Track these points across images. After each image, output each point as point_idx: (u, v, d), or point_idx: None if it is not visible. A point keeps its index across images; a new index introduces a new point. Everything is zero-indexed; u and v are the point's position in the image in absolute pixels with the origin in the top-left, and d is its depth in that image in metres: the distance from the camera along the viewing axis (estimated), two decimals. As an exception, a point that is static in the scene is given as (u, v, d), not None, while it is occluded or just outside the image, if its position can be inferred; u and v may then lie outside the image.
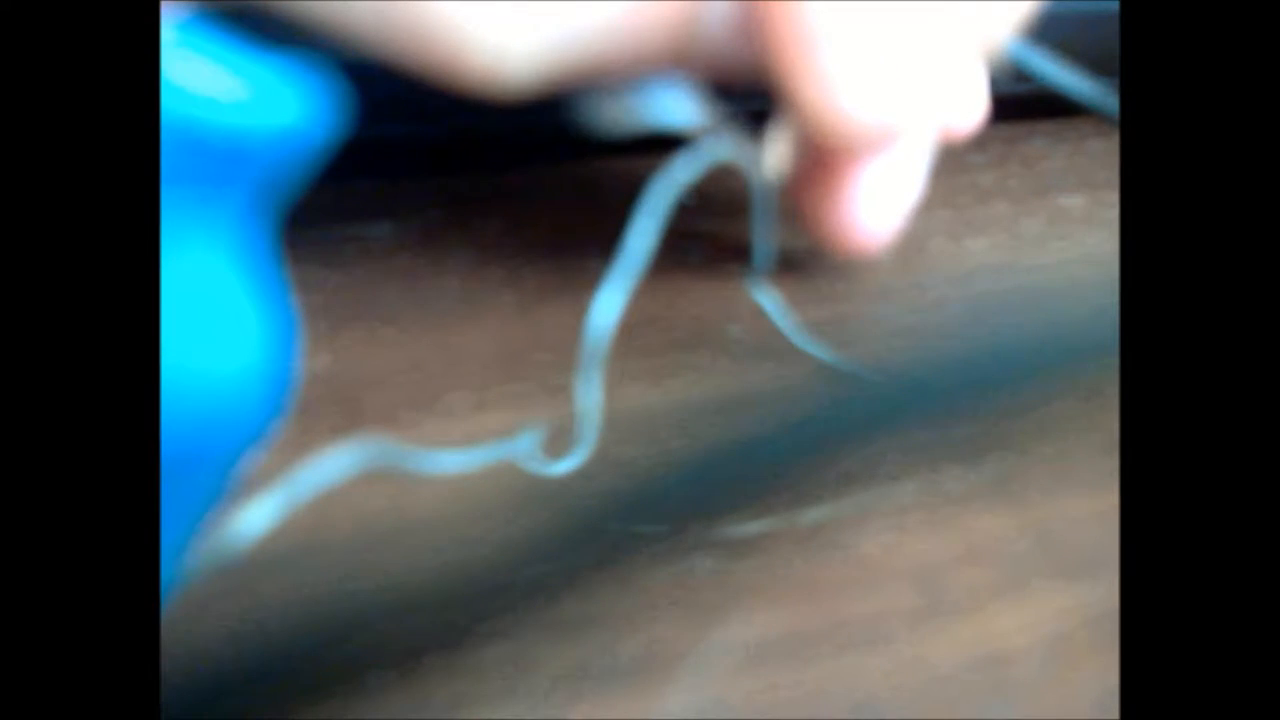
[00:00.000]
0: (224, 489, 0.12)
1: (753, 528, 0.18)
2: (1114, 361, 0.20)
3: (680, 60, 0.18)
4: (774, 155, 0.20)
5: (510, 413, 0.19)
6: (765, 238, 0.20)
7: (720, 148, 0.18)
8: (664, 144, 0.18)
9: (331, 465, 0.15)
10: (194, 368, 0.10)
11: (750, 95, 0.18)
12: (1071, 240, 0.24)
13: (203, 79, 0.09)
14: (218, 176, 0.09)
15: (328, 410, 0.19)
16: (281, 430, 0.18)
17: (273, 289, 0.11)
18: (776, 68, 0.17)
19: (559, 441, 0.18)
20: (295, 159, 0.10)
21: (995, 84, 0.21)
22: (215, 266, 0.10)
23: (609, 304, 0.17)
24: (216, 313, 0.10)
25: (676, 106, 0.17)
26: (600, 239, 0.19)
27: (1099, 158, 0.25)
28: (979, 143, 0.25)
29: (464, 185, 0.23)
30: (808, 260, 0.22)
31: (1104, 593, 0.17)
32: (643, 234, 0.17)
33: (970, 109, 0.20)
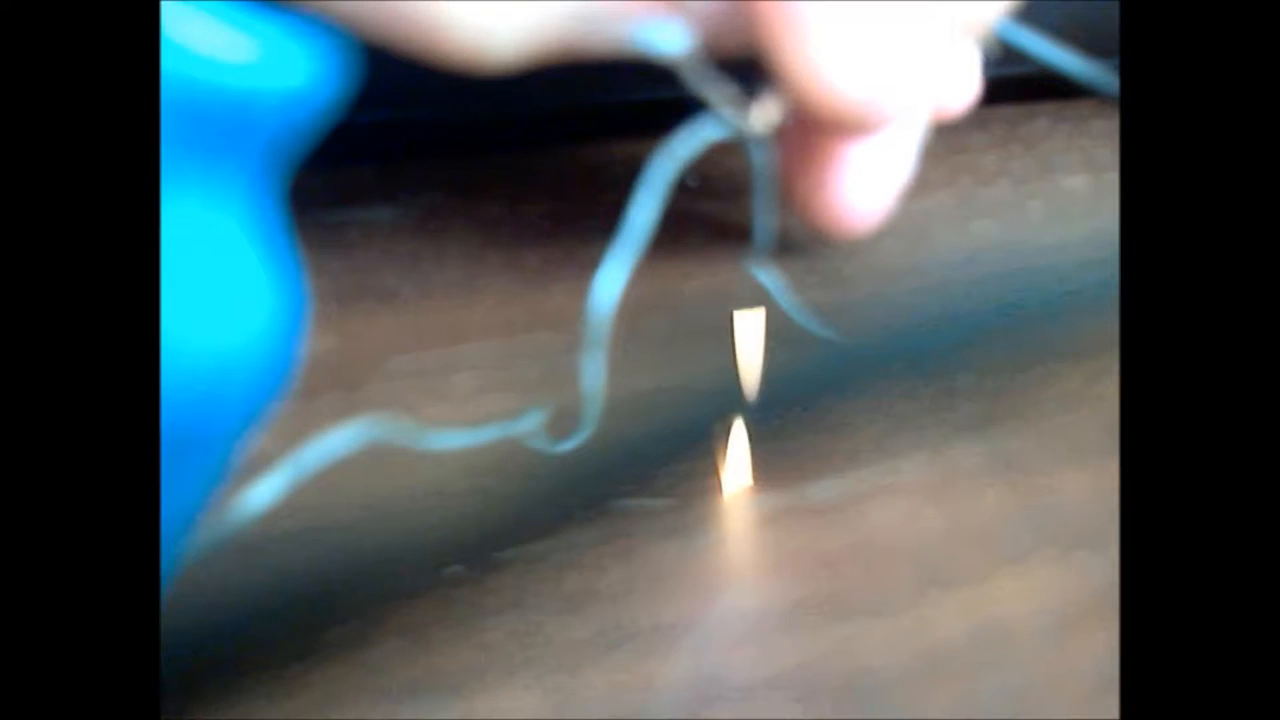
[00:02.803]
0: (228, 464, 0.12)
1: (757, 502, 0.18)
2: (1116, 339, 0.21)
3: None
4: (762, 123, 0.20)
5: (513, 392, 0.19)
6: (766, 218, 0.20)
7: (720, 125, 0.18)
8: (665, 125, 0.18)
9: (337, 442, 0.15)
10: (205, 332, 0.10)
11: (743, 72, 0.18)
12: (1074, 221, 0.24)
13: (210, 40, 0.09)
14: (226, 139, 0.09)
15: (330, 392, 0.19)
16: (284, 411, 0.18)
17: (281, 253, 0.11)
18: (765, 45, 0.17)
19: (563, 420, 0.18)
20: (304, 120, 0.10)
21: (996, 65, 0.21)
22: (224, 230, 0.10)
23: (611, 280, 0.17)
24: (226, 277, 0.10)
25: (668, 34, 0.17)
26: (601, 220, 0.19)
27: (1101, 138, 0.25)
28: (981, 124, 0.25)
29: (464, 168, 0.23)
30: (810, 242, 0.22)
31: (1104, 564, 0.17)
32: (644, 209, 0.17)
33: (962, 88, 0.20)
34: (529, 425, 0.18)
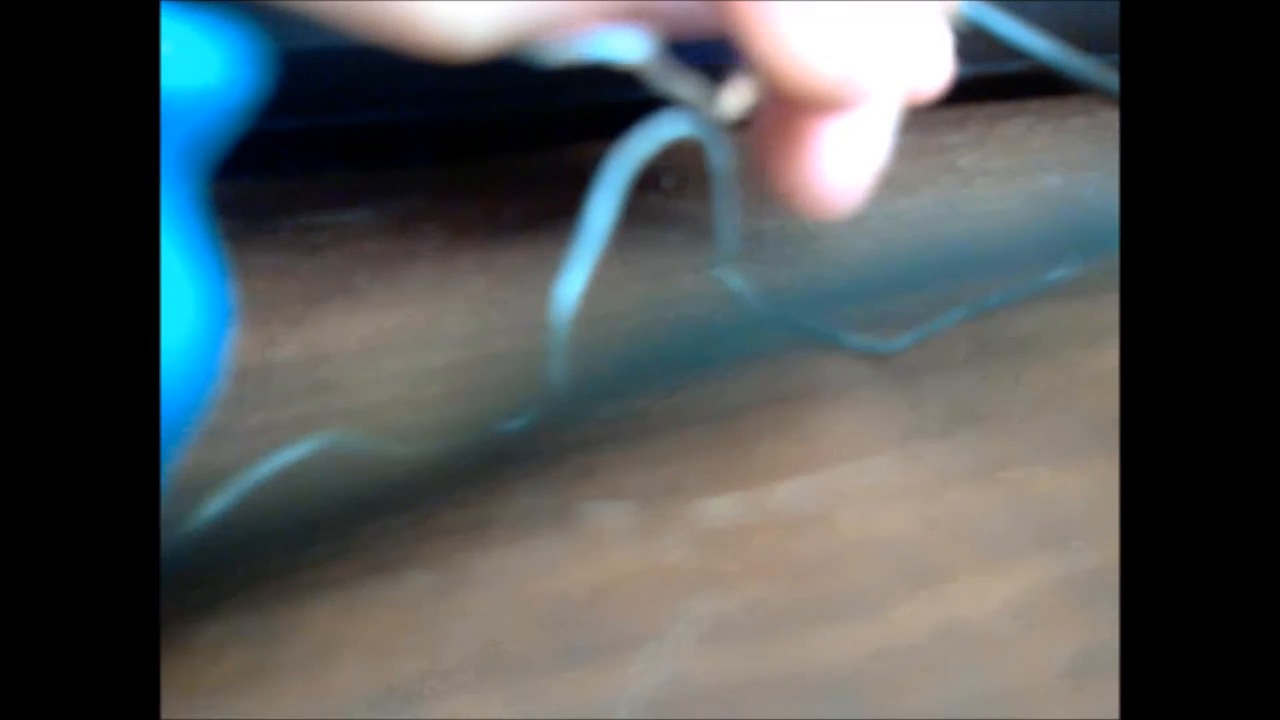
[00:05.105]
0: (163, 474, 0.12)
1: (724, 504, 0.17)
2: (1088, 337, 0.20)
3: (638, 17, 0.17)
4: (734, 105, 0.20)
5: (484, 395, 0.19)
6: (730, 218, 0.20)
7: (681, 122, 0.18)
8: (634, 126, 0.18)
9: (298, 454, 0.15)
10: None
11: (710, 52, 0.18)
12: (1052, 218, 0.23)
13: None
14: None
15: (299, 394, 0.19)
16: (253, 413, 0.18)
17: (206, 257, 0.11)
18: (735, 24, 0.17)
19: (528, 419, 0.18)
20: (219, 118, 0.10)
21: (977, 62, 0.21)
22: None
23: (573, 279, 0.17)
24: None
25: (626, 42, 0.17)
26: (573, 223, 0.18)
27: (1080, 136, 0.25)
28: (959, 123, 0.25)
29: (437, 171, 0.23)
30: (783, 240, 0.22)
31: (1076, 562, 0.17)
32: (603, 208, 0.17)
33: (935, 70, 0.20)
34: (493, 425, 0.18)
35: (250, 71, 0.10)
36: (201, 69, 0.09)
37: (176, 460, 0.12)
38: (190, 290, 0.10)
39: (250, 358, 0.19)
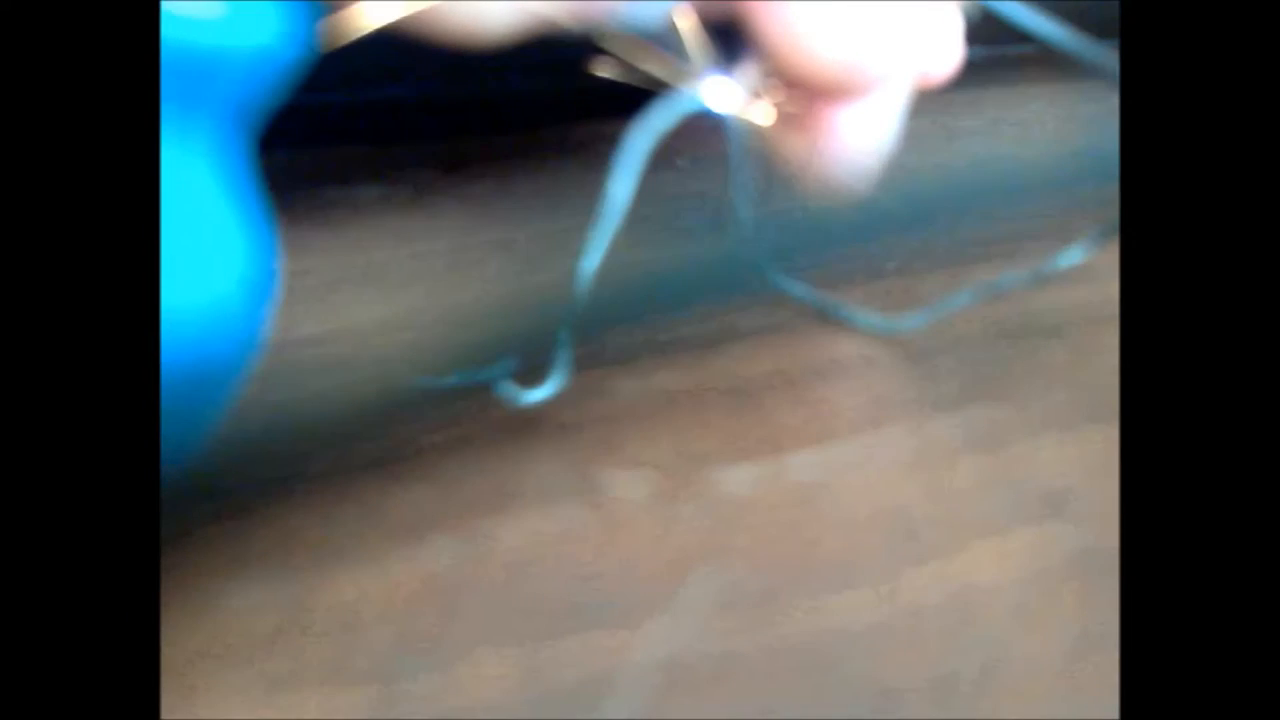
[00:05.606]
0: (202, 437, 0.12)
1: (740, 474, 0.18)
2: (1098, 317, 0.21)
3: None
4: (747, 98, 0.20)
5: (504, 367, 0.19)
6: (747, 193, 0.20)
7: (697, 99, 0.18)
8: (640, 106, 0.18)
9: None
10: (188, 278, 0.10)
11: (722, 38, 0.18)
12: (1061, 201, 0.24)
13: (180, -2, 0.09)
14: (195, 94, 0.09)
15: (319, 370, 0.19)
16: (272, 388, 0.18)
17: (250, 202, 0.11)
18: (746, 11, 0.17)
19: (537, 377, 0.18)
20: (271, 77, 0.10)
21: (989, 45, 0.21)
22: (196, 181, 0.10)
23: (592, 255, 0.17)
24: (202, 225, 0.10)
25: (649, 9, 0.17)
26: (589, 199, 0.19)
27: (1091, 120, 0.25)
28: (973, 107, 0.25)
29: (454, 147, 0.23)
30: (798, 219, 0.22)
31: (1082, 535, 0.17)
32: (622, 183, 0.17)
33: (945, 54, 0.20)
34: (501, 372, 0.18)
35: (303, 32, 0.10)
36: (257, 29, 0.09)
37: (218, 419, 0.12)
38: (241, 244, 0.11)
39: (269, 333, 0.19)
